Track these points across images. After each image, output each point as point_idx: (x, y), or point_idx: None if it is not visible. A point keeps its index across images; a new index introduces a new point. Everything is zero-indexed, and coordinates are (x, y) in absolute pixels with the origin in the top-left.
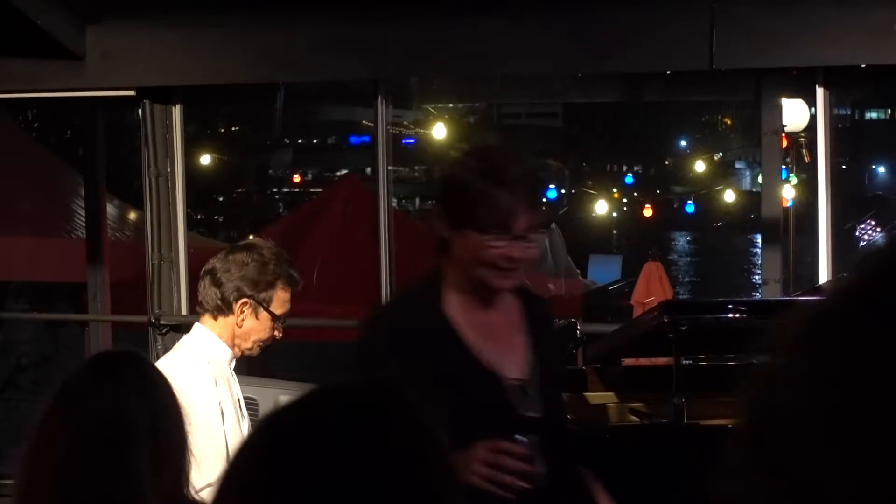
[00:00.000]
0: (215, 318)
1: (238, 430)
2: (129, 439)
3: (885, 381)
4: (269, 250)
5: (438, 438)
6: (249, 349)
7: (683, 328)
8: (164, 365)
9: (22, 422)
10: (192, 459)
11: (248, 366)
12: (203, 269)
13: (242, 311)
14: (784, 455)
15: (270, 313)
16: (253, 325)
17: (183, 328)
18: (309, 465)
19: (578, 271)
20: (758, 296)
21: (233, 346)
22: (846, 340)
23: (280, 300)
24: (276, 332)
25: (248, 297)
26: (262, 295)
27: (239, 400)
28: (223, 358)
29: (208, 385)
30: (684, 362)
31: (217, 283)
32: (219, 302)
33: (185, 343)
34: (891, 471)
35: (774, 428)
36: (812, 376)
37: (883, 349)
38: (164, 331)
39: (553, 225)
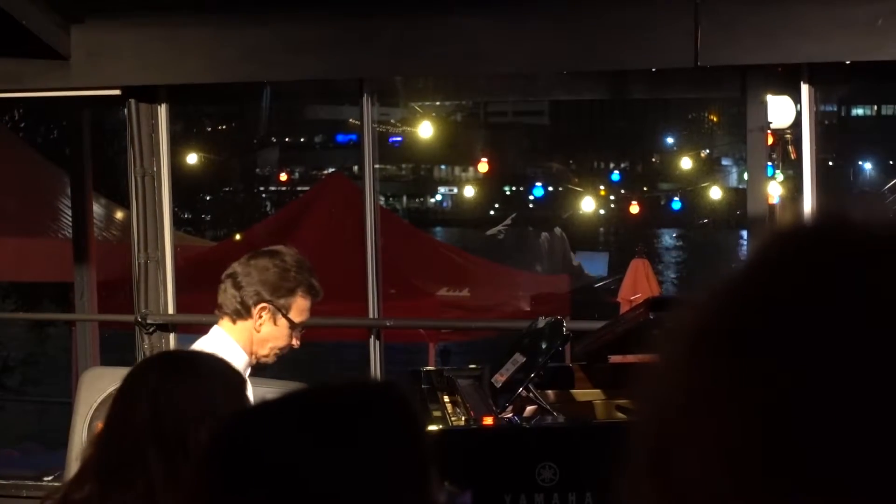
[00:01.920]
0: (234, 321)
1: None
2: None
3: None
4: (292, 257)
5: (422, 436)
6: (266, 356)
7: (669, 325)
8: None
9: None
10: None
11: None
12: (224, 273)
13: (261, 316)
14: (663, 455)
15: (289, 320)
16: (271, 331)
17: (169, 327)
18: (293, 465)
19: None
20: None
21: (250, 353)
22: (719, 337)
23: (299, 308)
24: (293, 341)
25: (268, 301)
26: (282, 301)
27: None
28: (240, 363)
29: None
30: None
31: (237, 287)
32: (238, 306)
33: (202, 346)
34: (767, 472)
35: (654, 426)
36: (691, 372)
37: (756, 350)
38: (150, 330)
39: (557, 228)
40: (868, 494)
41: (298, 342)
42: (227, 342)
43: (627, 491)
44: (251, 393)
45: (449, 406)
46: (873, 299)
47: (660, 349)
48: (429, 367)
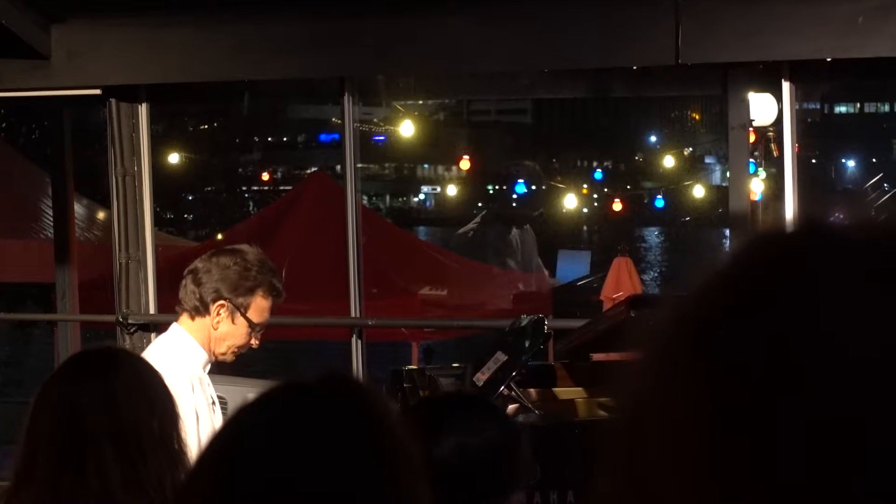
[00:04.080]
0: (192, 318)
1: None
2: (88, 437)
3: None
4: (255, 256)
5: (401, 431)
6: (223, 354)
7: (650, 323)
8: None
9: None
10: (184, 458)
11: (217, 364)
12: (186, 269)
13: (219, 314)
14: (634, 453)
15: (247, 320)
16: (228, 330)
17: (151, 327)
18: (275, 464)
19: (546, 271)
20: None
21: (208, 351)
22: (697, 341)
23: (259, 308)
24: (252, 341)
25: (226, 299)
26: (240, 300)
27: (213, 401)
28: (198, 360)
29: (185, 388)
30: None
31: (197, 283)
32: (197, 302)
33: (160, 343)
34: (728, 476)
35: (626, 424)
36: (660, 371)
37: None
38: (132, 330)
39: (527, 226)
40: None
41: (258, 342)
42: (185, 339)
43: (604, 489)
44: (211, 390)
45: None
46: (844, 308)
47: (636, 347)
48: (411, 367)
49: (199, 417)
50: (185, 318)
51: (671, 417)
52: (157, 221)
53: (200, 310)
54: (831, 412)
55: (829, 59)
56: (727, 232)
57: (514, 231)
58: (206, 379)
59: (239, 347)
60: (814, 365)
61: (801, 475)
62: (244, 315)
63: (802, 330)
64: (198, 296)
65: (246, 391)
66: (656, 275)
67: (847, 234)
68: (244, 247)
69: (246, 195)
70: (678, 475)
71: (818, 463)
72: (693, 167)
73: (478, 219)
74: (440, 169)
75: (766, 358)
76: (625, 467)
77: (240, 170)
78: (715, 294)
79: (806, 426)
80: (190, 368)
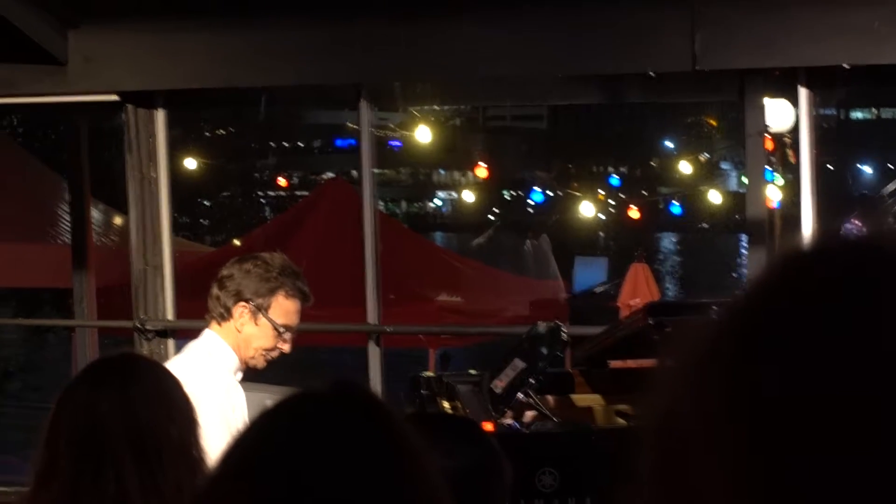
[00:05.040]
0: (220, 324)
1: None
2: (106, 443)
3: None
4: (277, 261)
5: (419, 442)
6: (252, 357)
7: (668, 330)
8: (174, 369)
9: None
10: (203, 465)
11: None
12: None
13: (242, 315)
14: (663, 463)
15: (270, 321)
16: (253, 332)
17: (168, 333)
18: (296, 473)
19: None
20: None
21: (239, 355)
22: (736, 355)
23: (282, 309)
24: (280, 344)
25: (247, 300)
26: (261, 300)
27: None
28: (229, 365)
29: (216, 392)
30: None
31: (220, 288)
32: (221, 308)
33: (192, 348)
34: (771, 488)
35: (659, 434)
36: (700, 389)
37: (774, 367)
38: (149, 336)
39: (543, 235)
40: None
41: (289, 346)
42: (217, 344)
43: (631, 498)
44: (242, 396)
45: (448, 412)
46: (874, 322)
47: (669, 360)
48: (428, 373)
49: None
50: (213, 324)
51: (714, 418)
52: (174, 226)
53: (225, 315)
54: (882, 421)
55: (846, 66)
56: (744, 238)
57: (528, 243)
58: (235, 384)
59: (266, 350)
60: (871, 372)
61: (847, 479)
62: (266, 316)
63: (861, 337)
64: (221, 301)
65: (263, 397)
66: (673, 281)
67: (875, 249)
68: (268, 254)
69: (262, 200)
70: (721, 476)
71: (861, 467)
72: (709, 173)
73: (490, 231)
74: (456, 174)
75: (821, 360)
76: (664, 476)
77: (256, 175)
78: (769, 296)
79: (854, 430)
80: (222, 372)
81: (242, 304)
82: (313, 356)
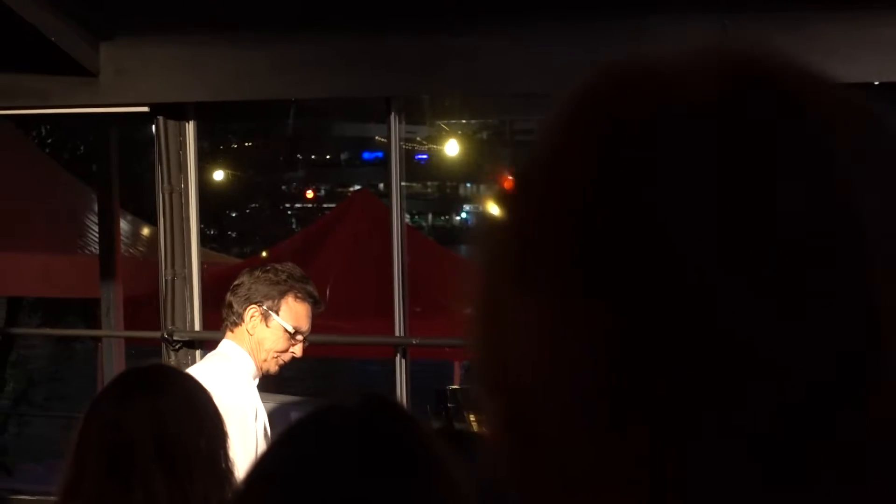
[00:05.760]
0: (232, 330)
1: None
2: (134, 454)
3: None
4: (288, 268)
5: (447, 454)
6: (265, 361)
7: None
8: (197, 375)
9: (34, 437)
10: (232, 477)
11: (263, 380)
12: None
13: (253, 318)
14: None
15: (280, 322)
16: (265, 335)
17: (196, 344)
18: (324, 486)
19: None
20: None
21: (255, 360)
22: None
23: (292, 311)
24: (293, 348)
25: (256, 303)
26: (270, 302)
27: (256, 415)
28: (248, 369)
29: (241, 396)
30: None
31: (232, 294)
32: (233, 314)
33: (212, 358)
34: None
35: (501, 375)
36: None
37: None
38: (177, 346)
39: None
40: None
41: (301, 350)
42: (234, 350)
43: (489, 447)
44: (260, 405)
45: (476, 425)
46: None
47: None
48: (454, 386)
49: (247, 431)
50: (228, 333)
51: (563, 355)
52: (201, 238)
53: (237, 320)
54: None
55: (876, 83)
56: None
57: None
58: (255, 390)
59: (279, 353)
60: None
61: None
62: (276, 317)
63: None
64: (234, 307)
65: (288, 409)
66: None
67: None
68: (279, 264)
69: (289, 212)
70: (579, 417)
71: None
72: None
73: None
74: (483, 188)
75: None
76: (515, 423)
77: (283, 187)
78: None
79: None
80: (242, 378)
81: (253, 307)
82: (339, 366)
